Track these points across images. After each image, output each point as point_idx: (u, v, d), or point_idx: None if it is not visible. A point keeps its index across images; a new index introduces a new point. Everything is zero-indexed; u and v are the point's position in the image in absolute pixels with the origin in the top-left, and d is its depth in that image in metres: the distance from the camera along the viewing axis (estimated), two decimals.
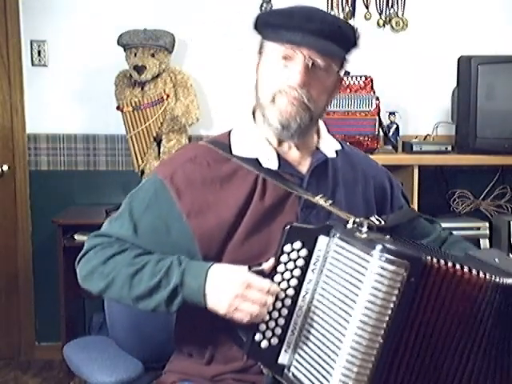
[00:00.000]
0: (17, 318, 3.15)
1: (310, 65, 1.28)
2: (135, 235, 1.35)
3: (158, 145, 2.93)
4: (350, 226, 1.23)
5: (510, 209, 3.10)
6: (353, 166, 1.46)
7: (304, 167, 1.39)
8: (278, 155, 1.37)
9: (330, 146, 1.44)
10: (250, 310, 1.18)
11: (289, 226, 1.23)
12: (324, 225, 1.23)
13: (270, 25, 1.33)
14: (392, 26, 3.06)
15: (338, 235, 1.20)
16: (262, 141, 1.38)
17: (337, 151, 1.44)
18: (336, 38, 1.30)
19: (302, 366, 1.21)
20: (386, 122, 2.88)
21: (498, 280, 1.13)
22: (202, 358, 1.37)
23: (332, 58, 1.31)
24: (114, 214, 1.42)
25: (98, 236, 1.39)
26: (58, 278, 2.76)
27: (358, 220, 1.24)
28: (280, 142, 1.39)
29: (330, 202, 1.32)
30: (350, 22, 3.04)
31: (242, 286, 1.19)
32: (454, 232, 1.62)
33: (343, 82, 2.72)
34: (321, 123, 1.46)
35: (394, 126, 2.92)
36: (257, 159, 1.36)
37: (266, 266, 1.23)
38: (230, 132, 1.44)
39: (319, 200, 1.32)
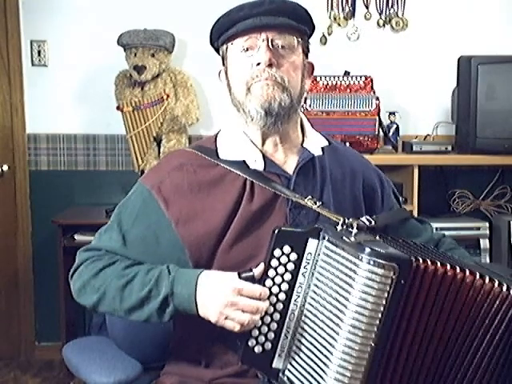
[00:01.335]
0: (17, 318, 3.15)
1: (271, 44, 1.30)
2: (124, 247, 1.35)
3: (158, 145, 2.93)
4: (339, 227, 1.22)
5: (510, 209, 3.10)
6: (340, 162, 1.44)
7: (290, 167, 1.38)
8: (264, 156, 1.37)
9: (315, 143, 1.42)
10: (240, 319, 1.17)
11: (277, 231, 1.22)
12: (313, 227, 1.22)
13: (224, 26, 1.34)
14: (392, 26, 3.06)
15: (327, 238, 1.19)
16: (248, 143, 1.38)
17: (324, 148, 1.43)
18: (288, 12, 1.32)
19: (297, 370, 1.21)
20: (386, 121, 2.87)
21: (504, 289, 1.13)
22: (199, 363, 1.37)
23: (291, 34, 1.33)
24: (103, 227, 1.41)
25: (87, 250, 1.39)
26: (57, 278, 2.76)
27: (347, 221, 1.23)
28: (264, 141, 1.38)
29: (319, 203, 1.31)
30: (350, 21, 3.05)
31: (232, 294, 1.18)
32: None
33: (341, 82, 2.75)
34: (304, 119, 1.45)
35: (394, 126, 2.92)
36: (244, 161, 1.35)
37: (256, 271, 1.22)
38: (216, 136, 1.43)
39: (307, 202, 1.31)
